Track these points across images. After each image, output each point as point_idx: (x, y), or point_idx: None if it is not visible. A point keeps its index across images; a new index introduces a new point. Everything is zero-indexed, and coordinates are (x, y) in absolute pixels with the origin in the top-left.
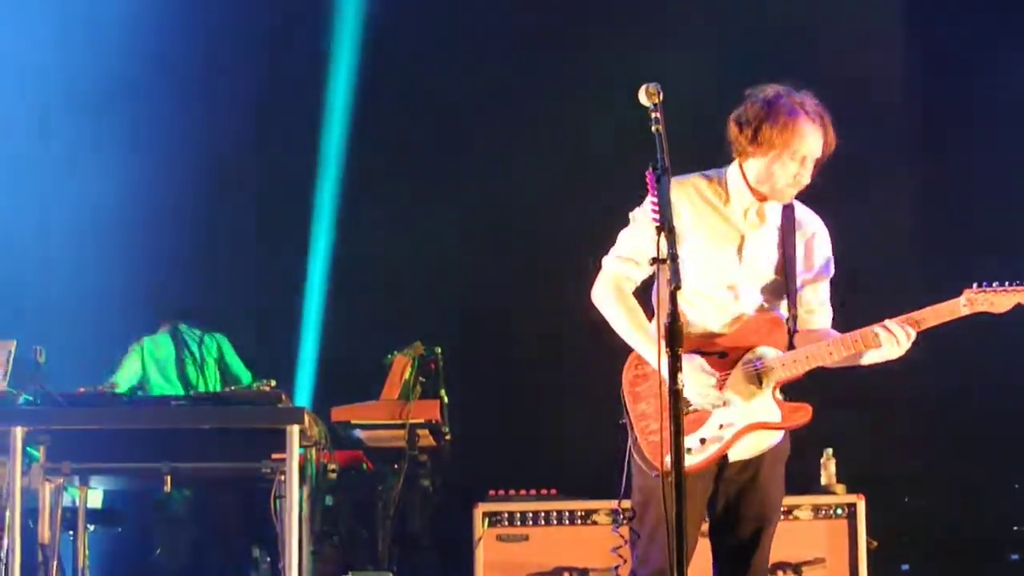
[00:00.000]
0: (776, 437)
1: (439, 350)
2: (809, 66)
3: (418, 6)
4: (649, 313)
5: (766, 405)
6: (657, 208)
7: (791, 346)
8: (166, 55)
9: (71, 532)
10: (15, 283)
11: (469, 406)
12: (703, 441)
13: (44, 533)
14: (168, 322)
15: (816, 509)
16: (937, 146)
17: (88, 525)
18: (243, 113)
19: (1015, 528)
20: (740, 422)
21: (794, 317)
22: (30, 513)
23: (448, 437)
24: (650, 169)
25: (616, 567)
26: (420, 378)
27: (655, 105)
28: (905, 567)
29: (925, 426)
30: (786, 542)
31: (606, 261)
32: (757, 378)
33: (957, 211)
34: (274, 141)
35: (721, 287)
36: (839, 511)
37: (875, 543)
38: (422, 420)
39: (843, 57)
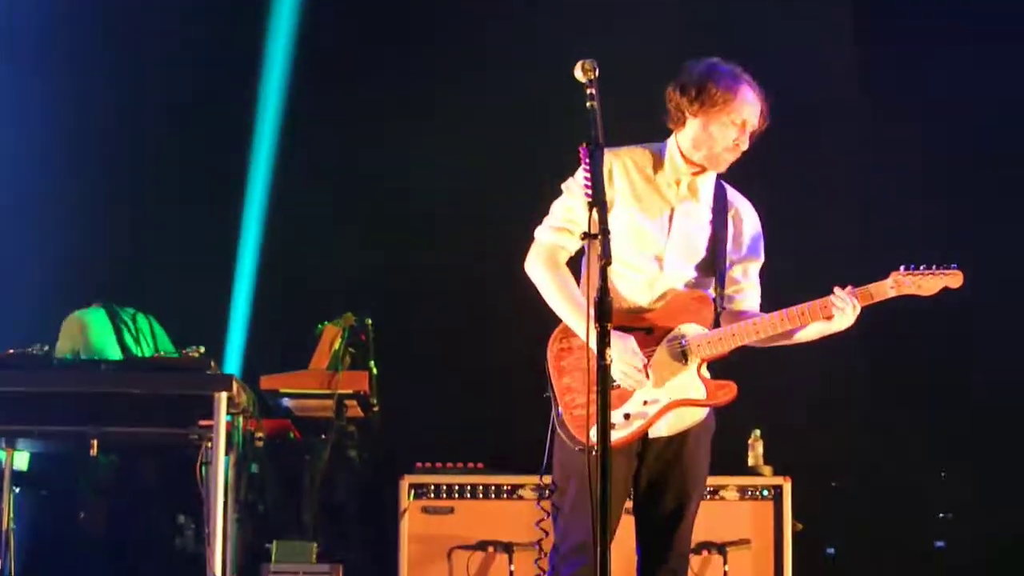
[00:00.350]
0: (700, 414)
1: (369, 321)
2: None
3: None
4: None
5: (691, 382)
6: (590, 184)
7: (717, 325)
8: (88, 18)
9: None
10: None
11: (398, 378)
12: (627, 416)
13: None
14: (99, 299)
15: (742, 490)
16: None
17: (13, 487)
18: (174, 79)
19: (940, 515)
20: (665, 398)
21: (722, 296)
22: None
23: (376, 408)
24: (584, 144)
25: (539, 540)
26: (350, 348)
27: (590, 81)
28: (830, 551)
29: (853, 411)
30: (711, 522)
31: (539, 232)
32: (682, 355)
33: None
34: (206, 107)
35: (648, 258)
36: (765, 493)
37: (800, 526)
38: (351, 391)
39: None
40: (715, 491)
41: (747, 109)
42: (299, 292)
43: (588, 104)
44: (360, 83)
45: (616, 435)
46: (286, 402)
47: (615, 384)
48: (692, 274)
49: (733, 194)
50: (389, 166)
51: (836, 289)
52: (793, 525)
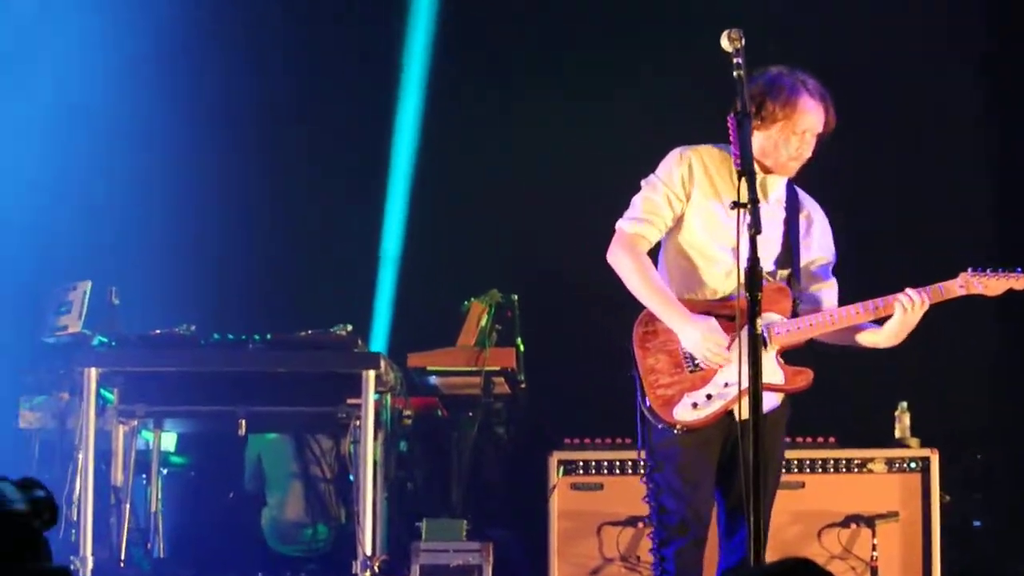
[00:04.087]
0: (775, 400)
1: (515, 298)
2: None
3: None
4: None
5: (770, 367)
6: (738, 152)
7: (795, 315)
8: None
9: (144, 475)
10: (90, 224)
11: (545, 354)
12: (709, 397)
13: (117, 476)
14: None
15: (890, 463)
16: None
17: (161, 468)
18: (321, 54)
19: None
20: (744, 381)
21: (798, 289)
22: (103, 456)
23: (523, 385)
24: (731, 114)
25: (648, 516)
26: (496, 325)
27: (737, 50)
28: (977, 523)
29: (1000, 381)
30: (860, 495)
31: (621, 223)
32: (763, 341)
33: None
34: (349, 86)
35: (725, 250)
36: (913, 465)
37: (948, 498)
38: (498, 367)
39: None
40: (863, 464)
41: (807, 119)
42: (445, 269)
43: (735, 73)
44: (507, 56)
45: (699, 414)
46: (433, 380)
47: (698, 366)
48: (768, 267)
49: (804, 197)
50: (537, 140)
51: (908, 289)
52: (941, 497)
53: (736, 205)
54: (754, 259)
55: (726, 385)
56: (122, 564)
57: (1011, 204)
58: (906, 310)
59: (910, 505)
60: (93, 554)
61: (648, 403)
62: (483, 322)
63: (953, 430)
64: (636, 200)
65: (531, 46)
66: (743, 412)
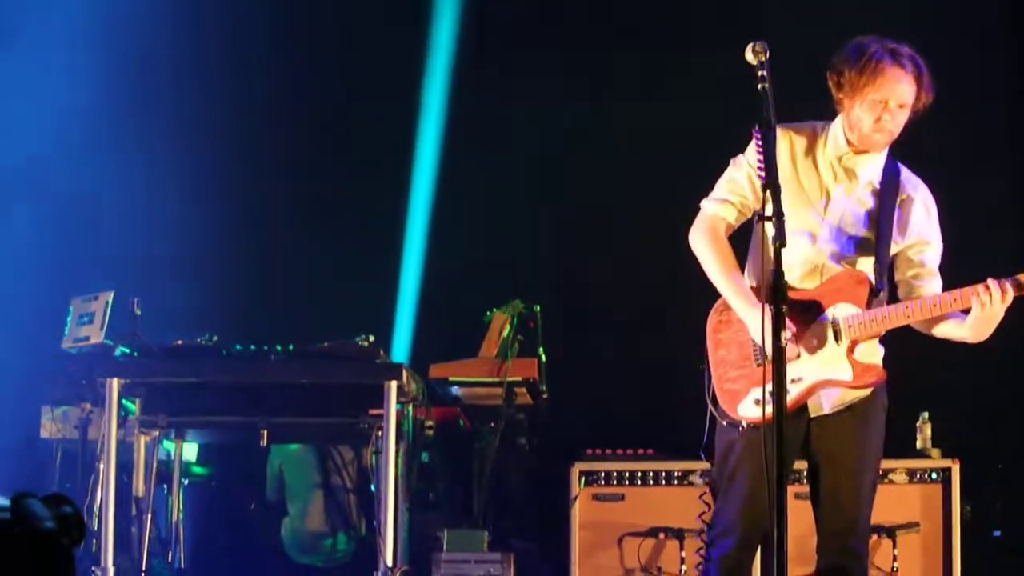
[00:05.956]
0: (862, 391)
1: (538, 308)
2: None
3: None
4: (743, 264)
5: (839, 363)
6: (763, 165)
7: (871, 305)
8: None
9: (165, 486)
10: (114, 234)
11: (567, 364)
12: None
13: (138, 486)
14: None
15: (911, 473)
16: None
17: (183, 478)
18: (343, 61)
19: None
20: (810, 377)
21: (879, 275)
22: (124, 466)
23: (545, 396)
24: (756, 126)
25: (702, 531)
26: (518, 336)
27: (761, 63)
28: (998, 533)
29: (1022, 392)
30: (880, 506)
31: (705, 203)
32: (834, 334)
33: None
34: (370, 95)
35: (802, 234)
36: (934, 475)
37: (969, 508)
38: (520, 378)
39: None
40: (884, 474)
41: (890, 88)
42: (467, 279)
43: (760, 86)
44: (531, 62)
45: (760, 412)
46: (455, 390)
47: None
48: (848, 252)
49: (907, 178)
50: (560, 149)
51: (989, 280)
52: (962, 508)
53: (761, 218)
54: (778, 272)
55: (792, 381)
56: (143, 574)
57: None
58: (983, 304)
59: (931, 516)
60: (114, 564)
61: (715, 397)
62: (505, 332)
63: (974, 441)
64: (721, 179)
65: (555, 51)
66: (820, 407)
